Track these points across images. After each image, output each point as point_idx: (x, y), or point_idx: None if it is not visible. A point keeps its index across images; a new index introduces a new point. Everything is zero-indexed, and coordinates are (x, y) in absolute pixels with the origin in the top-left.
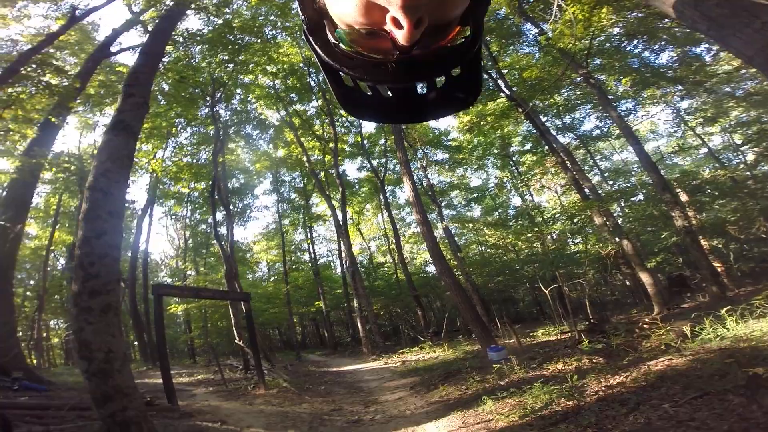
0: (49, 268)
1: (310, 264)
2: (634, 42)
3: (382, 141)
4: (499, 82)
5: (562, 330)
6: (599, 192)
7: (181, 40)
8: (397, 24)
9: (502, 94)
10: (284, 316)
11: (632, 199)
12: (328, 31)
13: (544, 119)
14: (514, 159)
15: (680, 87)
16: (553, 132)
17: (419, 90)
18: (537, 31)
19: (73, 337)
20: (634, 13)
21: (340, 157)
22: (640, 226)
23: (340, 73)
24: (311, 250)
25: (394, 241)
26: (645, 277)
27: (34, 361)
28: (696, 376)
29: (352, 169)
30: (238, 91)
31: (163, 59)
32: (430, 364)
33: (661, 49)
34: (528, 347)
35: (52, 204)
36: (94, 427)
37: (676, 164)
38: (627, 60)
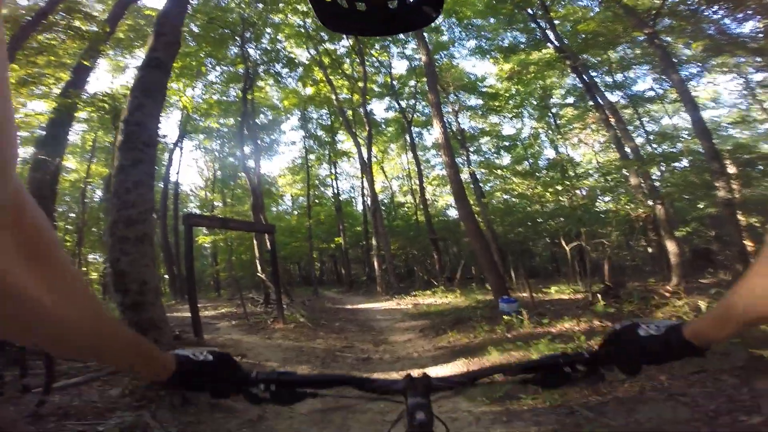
0: (86, 201)
1: (332, 199)
2: (715, 7)
3: (412, 83)
4: (548, 32)
5: (576, 289)
6: (641, 153)
7: None
8: None
9: (549, 44)
10: (305, 251)
11: (675, 164)
12: None
13: (593, 74)
14: (553, 111)
15: (759, 59)
16: (602, 88)
17: (390, 5)
18: None
19: (109, 270)
20: None
21: (368, 97)
22: (678, 192)
23: None
24: (335, 185)
25: (417, 182)
26: (671, 246)
27: None
28: None
29: (379, 108)
30: (268, 30)
31: (192, 1)
32: (441, 309)
33: (746, 18)
34: (540, 303)
35: (88, 141)
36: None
37: (731, 136)
38: (701, 25)
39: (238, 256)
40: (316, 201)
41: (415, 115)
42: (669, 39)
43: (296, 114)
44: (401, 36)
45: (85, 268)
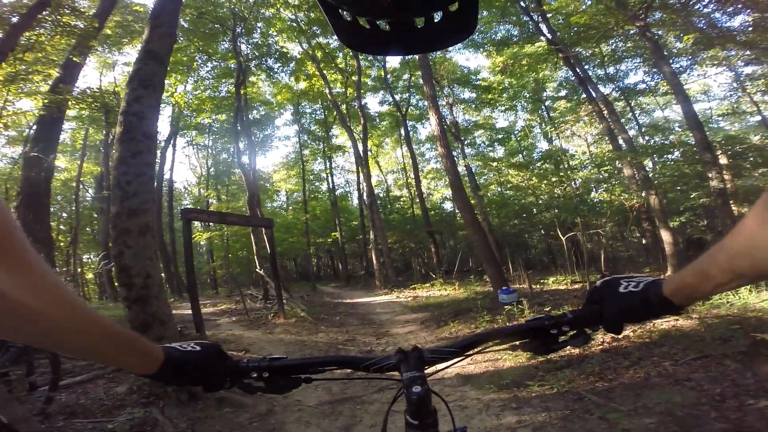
0: (79, 200)
1: (328, 194)
2: (705, 1)
3: (405, 76)
4: (541, 25)
5: (573, 280)
6: (634, 145)
7: None
8: None
9: (542, 37)
10: (301, 246)
11: (667, 156)
12: None
13: (585, 67)
14: (546, 104)
15: (748, 52)
16: (594, 81)
17: (416, 24)
18: None
19: (105, 270)
20: None
21: (362, 91)
22: (671, 183)
23: (339, 9)
24: (330, 180)
25: (412, 175)
26: (665, 236)
27: None
28: (699, 339)
29: (373, 102)
30: (259, 24)
31: None
32: (441, 301)
33: (736, 12)
34: (539, 293)
35: (78, 139)
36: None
37: (722, 128)
38: (692, 18)
39: (235, 252)
40: (312, 196)
41: (409, 109)
42: (660, 32)
43: (289, 109)
44: None
45: (79, 269)
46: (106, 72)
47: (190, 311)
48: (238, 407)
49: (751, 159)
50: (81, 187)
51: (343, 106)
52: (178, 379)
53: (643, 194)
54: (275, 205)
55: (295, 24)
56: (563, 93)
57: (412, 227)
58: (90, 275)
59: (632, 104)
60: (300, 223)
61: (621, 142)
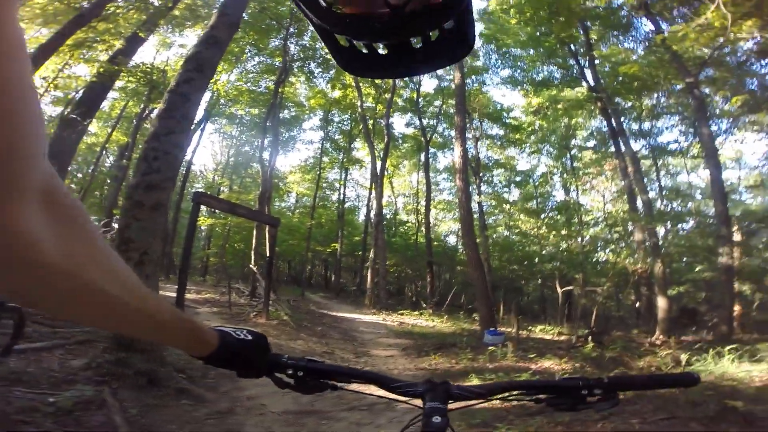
0: (99, 165)
1: (337, 204)
2: (765, 61)
3: (437, 102)
4: (586, 70)
5: (561, 331)
6: (652, 207)
7: None
8: None
9: (584, 83)
10: (299, 251)
11: (681, 225)
12: None
13: (621, 119)
14: (572, 152)
15: None
16: (626, 135)
17: (413, 44)
18: (652, 28)
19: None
20: None
21: (392, 110)
22: (679, 253)
23: (335, 34)
24: (342, 191)
25: (423, 202)
26: (662, 302)
27: None
28: (672, 400)
29: (399, 123)
30: (311, 27)
31: None
32: (426, 331)
33: None
34: (525, 339)
35: (117, 108)
36: None
37: (743, 201)
38: (745, 78)
39: (232, 244)
40: (321, 203)
41: (434, 136)
42: (707, 90)
43: (319, 114)
44: None
45: None
46: (162, 50)
47: (173, 294)
48: (199, 401)
49: (765, 239)
50: (104, 153)
51: (371, 121)
52: (227, 364)
53: (649, 261)
54: (283, 205)
55: None
56: (592, 143)
57: (413, 254)
58: None
59: (659, 163)
60: (304, 228)
61: (639, 203)
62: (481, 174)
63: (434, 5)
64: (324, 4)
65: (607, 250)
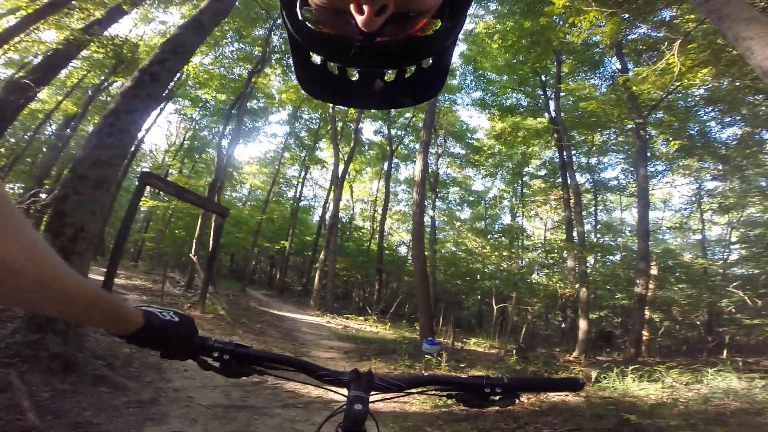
0: (39, 132)
1: (291, 202)
2: (710, 108)
3: (408, 114)
4: (550, 101)
5: (492, 345)
6: (585, 239)
7: None
8: (359, 9)
9: (546, 114)
10: (245, 245)
11: (608, 257)
12: (298, 8)
13: (572, 152)
14: (523, 179)
15: (720, 166)
16: (574, 168)
17: (386, 77)
18: (619, 67)
19: (26, 206)
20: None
21: (363, 115)
22: (603, 281)
23: (309, 51)
24: (299, 189)
25: (380, 210)
26: (583, 324)
27: None
28: (580, 413)
29: (368, 129)
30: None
31: None
32: (369, 337)
33: (731, 123)
34: (459, 350)
35: (74, 77)
36: None
37: (664, 240)
38: (689, 124)
39: (173, 230)
40: (275, 199)
41: (399, 147)
42: (653, 132)
43: (288, 109)
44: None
45: None
46: (141, 24)
47: (101, 277)
48: (119, 389)
49: (677, 274)
50: (47, 121)
51: (340, 124)
52: (151, 343)
53: (577, 286)
54: (234, 195)
55: None
56: (543, 172)
57: (364, 260)
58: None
59: (599, 198)
60: (253, 222)
61: (575, 233)
62: (438, 190)
63: (418, 39)
64: (301, 17)
65: (542, 273)
